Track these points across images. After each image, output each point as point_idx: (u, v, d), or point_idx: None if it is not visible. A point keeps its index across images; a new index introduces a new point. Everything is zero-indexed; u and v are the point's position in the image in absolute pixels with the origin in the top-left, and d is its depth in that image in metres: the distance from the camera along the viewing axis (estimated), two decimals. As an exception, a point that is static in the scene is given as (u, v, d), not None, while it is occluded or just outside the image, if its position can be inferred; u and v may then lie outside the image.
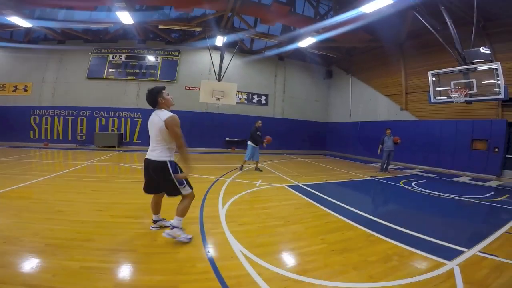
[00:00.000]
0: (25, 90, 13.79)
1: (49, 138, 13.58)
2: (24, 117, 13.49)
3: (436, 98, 7.83)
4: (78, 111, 13.66)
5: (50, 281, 1.89)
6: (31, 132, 13.61)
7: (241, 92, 15.04)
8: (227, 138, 14.86)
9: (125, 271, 2.14)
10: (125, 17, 9.94)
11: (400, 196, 5.99)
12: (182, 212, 2.65)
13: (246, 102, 15.35)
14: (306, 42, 12.38)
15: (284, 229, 3.33)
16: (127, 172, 7.11)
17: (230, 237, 2.91)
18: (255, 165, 8.28)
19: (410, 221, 3.87)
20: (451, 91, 7.32)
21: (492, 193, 6.47)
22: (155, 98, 2.64)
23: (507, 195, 6.14)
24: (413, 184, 7.11)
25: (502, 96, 6.58)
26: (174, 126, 2.51)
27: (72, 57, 13.87)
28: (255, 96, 15.62)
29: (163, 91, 2.69)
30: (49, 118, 13.65)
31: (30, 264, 2.11)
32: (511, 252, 2.72)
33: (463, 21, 8.28)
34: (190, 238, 2.70)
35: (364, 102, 14.93)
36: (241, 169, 8.02)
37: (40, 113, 13.61)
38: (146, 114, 11.14)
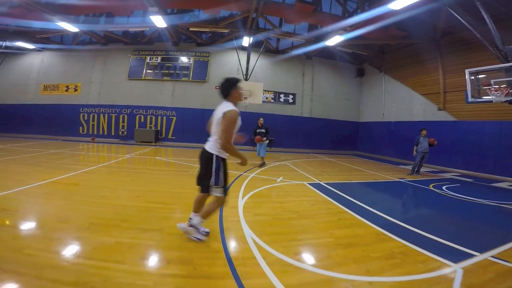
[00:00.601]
0: (75, 90, 15.48)
1: (95, 133, 15.11)
2: (74, 114, 15.17)
3: (474, 97, 7.30)
4: (120, 109, 15.00)
5: (90, 252, 2.33)
6: (80, 128, 15.26)
7: (268, 91, 15.27)
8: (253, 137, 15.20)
9: (150, 247, 2.53)
10: (159, 21, 10.78)
11: (424, 198, 5.79)
12: (205, 214, 2.64)
13: (273, 101, 15.55)
14: (333, 41, 12.20)
15: (296, 222, 3.54)
16: (162, 165, 7.79)
17: (244, 224, 3.22)
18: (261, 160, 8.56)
19: (427, 223, 3.82)
20: (491, 90, 6.79)
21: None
22: (229, 89, 2.61)
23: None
24: (443, 187, 6.75)
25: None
26: (228, 120, 2.39)
27: (115, 59, 15.27)
28: (282, 95, 15.75)
29: (238, 84, 2.66)
30: (96, 115, 15.18)
31: (76, 238, 2.60)
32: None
33: (503, 16, 7.71)
34: (201, 240, 2.67)
35: (398, 101, 14.25)
36: (261, 166, 8.32)
37: (88, 111, 15.19)
38: (180, 113, 12.08)
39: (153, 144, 14.04)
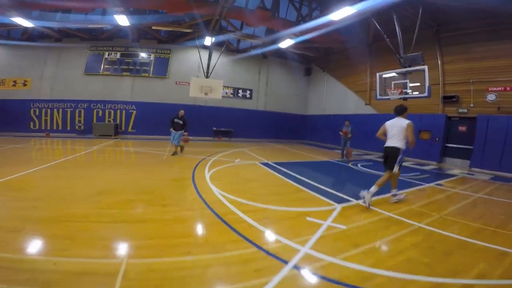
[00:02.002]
0: (25, 85, 14.75)
1: (48, 128, 14.74)
2: (24, 110, 14.51)
3: (381, 95, 9.74)
4: (76, 103, 14.88)
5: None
6: (31, 123, 14.71)
7: (228, 87, 16.66)
8: (214, 128, 16.53)
9: (149, 205, 3.89)
10: (122, 20, 11.12)
11: (339, 171, 8.05)
12: (380, 182, 4.25)
13: (232, 96, 17.01)
14: (286, 43, 14.03)
15: (247, 184, 5.23)
16: (127, 154, 8.73)
17: (211, 186, 4.78)
18: (178, 149, 8.98)
19: (331, 183, 5.84)
20: (390, 90, 9.23)
21: (418, 172, 8.43)
22: (403, 112, 4.45)
23: (428, 175, 8.11)
24: (358, 165, 9.09)
25: (426, 94, 8.50)
26: (412, 128, 4.24)
27: (70, 54, 14.91)
28: (240, 91, 17.31)
29: (406, 111, 4.49)
30: (49, 110, 14.77)
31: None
32: (380, 204, 4.39)
33: (410, 28, 9.28)
34: (402, 199, 4.62)
35: (336, 97, 16.89)
36: (174, 154, 8.76)
37: (40, 106, 14.69)
38: (140, 106, 12.89)
39: (113, 137, 14.39)
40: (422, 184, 6.40)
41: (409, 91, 9.00)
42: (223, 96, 14.90)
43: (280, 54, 17.48)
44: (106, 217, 3.16)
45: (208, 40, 13.44)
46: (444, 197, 5.31)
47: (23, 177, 4.81)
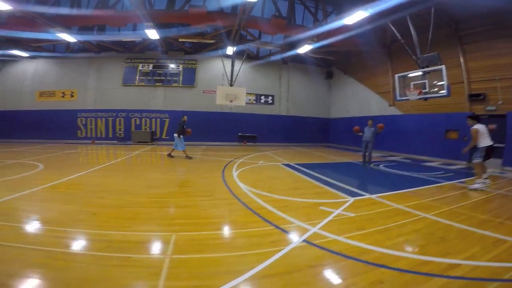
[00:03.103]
0: (72, 96, 16.75)
1: (93, 136, 16.54)
2: (72, 119, 16.43)
3: (401, 96, 9.84)
4: (116, 113, 16.55)
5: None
6: (79, 131, 16.61)
7: (250, 93, 17.45)
8: (239, 134, 17.38)
9: (184, 198, 4.66)
10: (152, 33, 12.39)
11: (359, 171, 8.33)
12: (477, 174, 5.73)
13: (254, 102, 17.79)
14: (304, 49, 14.51)
15: (270, 180, 5.84)
16: (163, 157, 9.76)
17: (239, 183, 5.48)
18: (185, 154, 9.54)
19: (348, 181, 6.23)
20: (409, 90, 9.33)
21: (443, 171, 8.45)
22: (478, 119, 5.83)
23: (452, 174, 8.11)
24: (380, 166, 9.27)
25: (446, 93, 8.51)
26: (473, 133, 5.60)
27: (108, 66, 16.69)
28: (262, 97, 18.03)
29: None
30: (93, 119, 16.59)
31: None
32: (393, 199, 4.74)
33: (425, 29, 9.32)
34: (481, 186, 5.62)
35: (359, 99, 16.93)
36: (169, 155, 9.62)
37: (85, 115, 16.55)
38: (172, 115, 14.20)
39: (150, 143, 15.79)
40: (441, 182, 6.53)
41: (428, 90, 9.03)
42: (246, 103, 15.68)
43: (300, 59, 17.90)
44: (156, 204, 3.99)
45: (230, 50, 14.35)
46: (460, 193, 5.48)
47: (82, 177, 5.87)
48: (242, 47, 15.03)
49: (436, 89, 8.94)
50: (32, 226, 3.05)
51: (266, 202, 4.15)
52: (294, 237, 2.89)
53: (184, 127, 9.30)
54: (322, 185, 5.58)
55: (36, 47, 15.46)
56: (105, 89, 16.60)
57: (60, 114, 16.34)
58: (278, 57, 17.27)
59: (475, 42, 10.37)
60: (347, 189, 5.37)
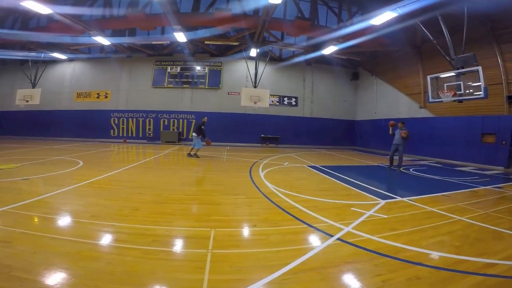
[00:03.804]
0: (106, 97, 17.89)
1: (125, 135, 17.57)
2: (105, 119, 17.59)
3: (433, 98, 9.45)
4: (146, 113, 17.45)
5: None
6: (111, 131, 17.71)
7: (273, 95, 17.60)
8: (262, 135, 17.57)
9: (221, 195, 4.90)
10: (180, 36, 12.96)
11: (388, 174, 8.16)
12: None
13: (278, 104, 17.90)
14: (329, 50, 14.38)
15: (297, 181, 5.91)
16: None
17: (267, 182, 5.62)
18: (194, 152, 9.78)
19: (380, 184, 6.14)
20: (443, 92, 8.95)
21: (477, 176, 8.03)
22: None
23: (487, 179, 7.70)
24: (410, 169, 8.99)
25: (482, 95, 8.07)
26: None
27: (139, 69, 17.65)
28: (285, 99, 18.10)
29: None
30: (125, 119, 17.63)
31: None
32: (426, 202, 4.64)
33: (458, 28, 8.89)
34: None
35: (387, 101, 16.42)
36: (189, 155, 9.74)
37: (118, 116, 17.64)
38: (199, 116, 14.66)
39: (177, 143, 16.46)
40: (476, 187, 6.25)
41: (463, 92, 8.62)
42: (269, 104, 15.84)
43: (324, 61, 17.72)
44: (192, 201, 4.26)
45: (253, 52, 14.58)
46: (498, 198, 5.25)
47: (119, 173, 6.31)
48: (265, 48, 15.25)
49: (471, 91, 8.52)
50: (80, 220, 3.28)
51: (296, 202, 4.24)
52: (328, 236, 2.97)
53: (203, 127, 9.37)
54: (351, 187, 5.57)
55: (73, 49, 16.67)
56: (136, 90, 17.56)
57: (95, 114, 17.55)
58: (301, 58, 17.24)
59: None
60: (377, 191, 5.33)
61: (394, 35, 12.83)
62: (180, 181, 5.58)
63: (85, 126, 17.51)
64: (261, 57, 15.67)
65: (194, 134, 9.56)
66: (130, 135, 17.62)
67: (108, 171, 6.38)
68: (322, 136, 18.47)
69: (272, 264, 2.34)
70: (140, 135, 17.54)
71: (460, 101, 9.06)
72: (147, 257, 2.39)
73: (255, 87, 15.10)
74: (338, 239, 2.88)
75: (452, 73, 8.82)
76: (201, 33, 15.01)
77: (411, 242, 2.86)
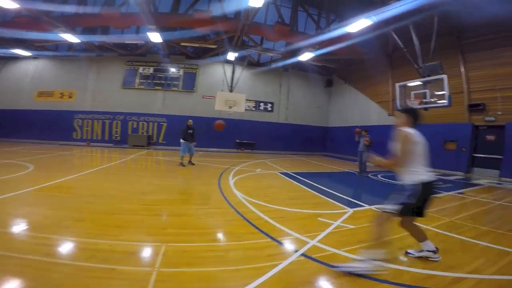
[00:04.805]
0: (70, 97, 16.56)
1: (89, 138, 16.35)
2: (68, 120, 16.22)
3: (401, 105, 9.80)
4: (114, 115, 16.40)
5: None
6: (74, 133, 16.41)
7: (250, 100, 17.43)
8: (237, 140, 17.26)
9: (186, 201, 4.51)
10: (155, 37, 12.36)
11: (357, 181, 8.25)
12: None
13: (254, 109, 17.75)
14: (305, 56, 14.53)
15: (267, 189, 5.69)
16: (159, 162, 9.61)
17: (235, 191, 5.32)
18: (188, 159, 9.07)
19: (346, 191, 6.13)
20: (410, 99, 9.31)
21: (441, 182, 8.30)
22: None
23: (450, 184, 8.01)
24: (378, 175, 9.16)
25: (446, 103, 8.48)
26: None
27: (109, 68, 16.60)
28: (261, 104, 18.02)
29: None
30: (90, 121, 16.41)
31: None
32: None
33: (427, 38, 9.21)
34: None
35: (359, 108, 16.92)
36: (190, 163, 8.97)
37: (82, 117, 16.37)
38: (171, 119, 13.97)
39: (146, 147, 15.62)
40: (441, 192, 6.44)
41: (428, 100, 9.02)
42: (245, 109, 15.63)
43: (301, 67, 17.96)
44: (149, 212, 3.81)
45: (231, 55, 14.33)
46: (460, 204, 5.40)
47: (72, 180, 5.68)
48: (243, 53, 15.08)
49: (436, 99, 8.93)
50: (12, 232, 2.88)
51: (263, 212, 3.99)
52: (292, 251, 2.74)
53: (190, 131, 8.79)
54: (321, 195, 5.45)
55: (39, 46, 15.40)
56: (104, 91, 16.51)
57: (57, 115, 16.19)
58: (279, 64, 17.28)
59: (477, 51, 10.39)
60: (346, 199, 5.26)
61: (367, 43, 13.22)
62: (140, 189, 5.09)
63: (45, 127, 16.01)
64: (239, 61, 15.47)
65: (181, 140, 8.83)
66: (95, 138, 16.44)
67: (60, 177, 5.72)
68: (296, 142, 18.58)
69: (228, 286, 2.08)
70: (106, 138, 16.43)
71: (426, 109, 9.46)
72: (80, 275, 2.07)
73: (231, 91, 14.83)
74: (303, 254, 2.66)
75: (419, 81, 9.21)
76: (178, 35, 14.54)
77: (377, 255, 2.71)
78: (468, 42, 10.68)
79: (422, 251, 2.68)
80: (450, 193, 6.51)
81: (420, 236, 2.68)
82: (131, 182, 5.86)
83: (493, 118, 9.92)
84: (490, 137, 10.27)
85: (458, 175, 10.31)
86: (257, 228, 3.34)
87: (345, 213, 4.25)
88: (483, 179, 9.33)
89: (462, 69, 10.74)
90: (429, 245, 2.65)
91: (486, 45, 10.11)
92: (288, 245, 2.89)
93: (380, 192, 6.64)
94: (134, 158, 10.39)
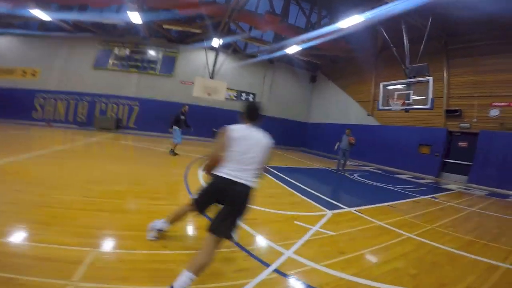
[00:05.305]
0: (33, 75, 14.90)
1: (51, 118, 14.84)
2: (29, 99, 14.64)
3: (383, 106, 9.67)
4: (80, 96, 14.98)
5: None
6: (34, 112, 14.80)
7: (232, 89, 16.69)
8: (214, 129, 16.48)
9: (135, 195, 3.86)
10: (135, 17, 11.20)
11: (335, 179, 8.03)
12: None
13: (235, 98, 17.03)
14: (292, 49, 14.01)
15: None
16: (125, 147, 8.74)
17: (203, 183, 4.63)
18: (173, 146, 8.27)
19: (325, 190, 5.82)
20: (392, 100, 9.17)
21: (415, 185, 8.31)
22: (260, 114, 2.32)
23: (424, 188, 8.00)
24: (355, 175, 9.02)
25: (429, 106, 8.39)
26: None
27: (81, 48, 15.09)
28: (243, 94, 17.37)
29: None
30: (53, 101, 14.88)
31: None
32: (373, 214, 4.26)
33: (418, 39, 9.03)
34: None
35: (339, 106, 16.84)
36: (172, 153, 8.14)
37: (45, 96, 14.80)
38: (143, 103, 12.82)
39: (114, 131, 14.43)
40: (417, 196, 6.33)
41: (411, 102, 8.89)
42: (226, 98, 14.92)
43: (287, 60, 17.52)
44: (91, 205, 3.12)
45: (215, 42, 13.50)
46: (437, 209, 5.26)
47: (14, 163, 4.78)
48: (229, 40, 14.27)
49: (419, 103, 8.81)
50: None
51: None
52: (264, 265, 2.25)
53: (182, 117, 8.09)
54: (298, 194, 5.03)
55: (6, 23, 13.66)
56: (72, 70, 15.06)
57: (16, 93, 14.49)
58: (265, 56, 16.64)
59: (461, 57, 10.49)
60: (324, 199, 4.88)
61: (356, 41, 13.05)
62: (88, 178, 4.31)
63: (1, 105, 14.27)
64: (223, 49, 14.66)
65: (174, 127, 8.07)
66: (57, 118, 14.94)
67: (-4, 158, 4.77)
68: (276, 136, 17.72)
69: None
70: (70, 120, 15.00)
71: (407, 111, 9.38)
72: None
73: (212, 78, 14.01)
74: (276, 270, 2.18)
75: (405, 82, 9.02)
76: (161, 16, 13.35)
77: (362, 271, 2.31)
78: (454, 48, 10.75)
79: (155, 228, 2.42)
80: (425, 197, 6.42)
81: (174, 218, 2.39)
82: (83, 167, 5.03)
83: (468, 125, 10.10)
84: (463, 144, 10.49)
85: (429, 179, 10.46)
86: (223, 232, 2.81)
87: (323, 215, 3.85)
88: (452, 184, 9.52)
89: (445, 74, 10.82)
90: (161, 225, 2.41)
91: (469, 52, 10.23)
92: (260, 257, 2.38)
93: (359, 193, 6.43)
94: (95, 141, 9.36)
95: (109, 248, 2.25)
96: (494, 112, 9.33)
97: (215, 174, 2.05)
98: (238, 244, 2.56)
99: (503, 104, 9.16)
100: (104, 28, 15.04)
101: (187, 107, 8.63)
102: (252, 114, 2.30)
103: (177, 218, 2.37)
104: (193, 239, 2.64)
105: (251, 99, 17.54)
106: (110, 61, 15.24)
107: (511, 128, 8.85)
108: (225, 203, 2.00)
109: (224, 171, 2.02)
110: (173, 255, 2.28)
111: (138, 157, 7.31)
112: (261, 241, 2.73)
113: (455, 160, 10.61)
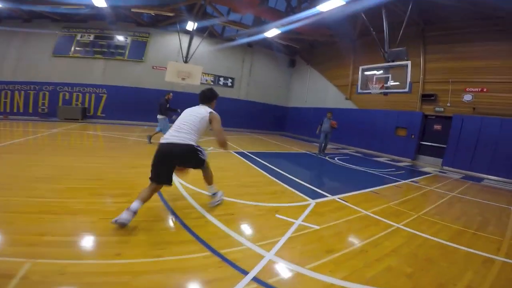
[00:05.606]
0: (-17, 66, 13.23)
1: (7, 110, 13.38)
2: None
3: (362, 89, 9.56)
4: (41, 86, 13.57)
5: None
6: (-14, 104, 13.26)
7: (208, 74, 15.92)
8: (178, 110, 15.71)
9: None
10: (99, 1, 9.91)
11: (316, 163, 7.88)
12: (211, 179, 3.13)
13: (212, 83, 16.26)
14: (271, 33, 13.39)
15: (217, 173, 4.60)
16: (90, 138, 7.94)
17: (174, 176, 4.13)
18: (153, 133, 8.15)
19: (307, 176, 5.59)
20: (372, 83, 9.06)
21: (394, 169, 8.38)
22: (212, 99, 3.14)
23: (403, 171, 8.06)
24: (336, 158, 8.92)
25: (407, 90, 8.35)
26: (218, 121, 2.93)
27: (38, 35, 13.55)
28: (221, 79, 16.63)
29: (216, 98, 3.23)
30: (9, 92, 13.38)
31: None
32: (358, 201, 4.08)
33: (398, 25, 9.00)
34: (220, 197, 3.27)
35: (318, 90, 16.74)
36: (149, 140, 7.92)
37: (0, 88, 13.30)
38: (112, 90, 11.69)
39: (80, 121, 13.30)
40: (398, 181, 6.28)
41: (389, 85, 8.84)
42: (202, 83, 14.21)
43: (266, 44, 16.94)
44: (33, 207, 2.58)
45: (190, 25, 12.57)
46: (420, 195, 5.18)
47: None
48: (206, 23, 13.35)
49: (398, 83, 8.76)
50: None
51: (207, 209, 3.07)
52: (241, 273, 1.89)
53: (168, 105, 7.88)
54: (278, 181, 4.73)
55: None
56: (29, 59, 13.52)
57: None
58: (244, 39, 15.88)
59: (438, 44, 10.65)
60: (306, 187, 4.62)
61: (336, 26, 12.73)
62: (37, 174, 3.67)
63: None
64: (199, 32, 13.71)
65: (159, 116, 7.84)
66: (15, 110, 13.48)
67: None
68: (256, 120, 17.88)
69: None
70: (30, 111, 13.59)
71: (385, 94, 9.35)
72: None
73: (186, 62, 13.16)
74: (255, 279, 1.83)
75: (384, 65, 8.92)
76: (128, 0, 12.05)
77: (353, 273, 2.03)
78: (431, 35, 10.90)
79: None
80: (406, 181, 6.38)
81: (144, 196, 2.57)
82: (35, 162, 4.32)
83: (442, 109, 10.34)
84: (437, 127, 10.75)
85: (406, 162, 10.68)
86: (192, 233, 2.40)
87: (307, 206, 3.57)
88: (428, 167, 9.74)
89: (422, 60, 11.00)
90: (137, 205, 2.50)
91: (445, 39, 10.39)
92: (236, 263, 2.02)
93: (341, 178, 6.26)
94: (57, 133, 8.43)
95: (50, 258, 1.79)
96: (468, 97, 9.56)
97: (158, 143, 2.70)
98: (210, 248, 2.18)
99: (475, 89, 9.41)
100: (64, 14, 13.50)
101: (171, 94, 8.38)
102: (199, 97, 3.15)
103: (147, 197, 2.58)
104: (153, 244, 2.20)
105: (229, 84, 16.92)
106: (72, 48, 13.84)
107: (483, 113, 9.13)
108: (175, 163, 2.74)
109: (164, 137, 2.71)
110: (129, 264, 1.85)
111: (103, 148, 6.61)
112: (237, 242, 2.36)
113: (430, 142, 10.88)
